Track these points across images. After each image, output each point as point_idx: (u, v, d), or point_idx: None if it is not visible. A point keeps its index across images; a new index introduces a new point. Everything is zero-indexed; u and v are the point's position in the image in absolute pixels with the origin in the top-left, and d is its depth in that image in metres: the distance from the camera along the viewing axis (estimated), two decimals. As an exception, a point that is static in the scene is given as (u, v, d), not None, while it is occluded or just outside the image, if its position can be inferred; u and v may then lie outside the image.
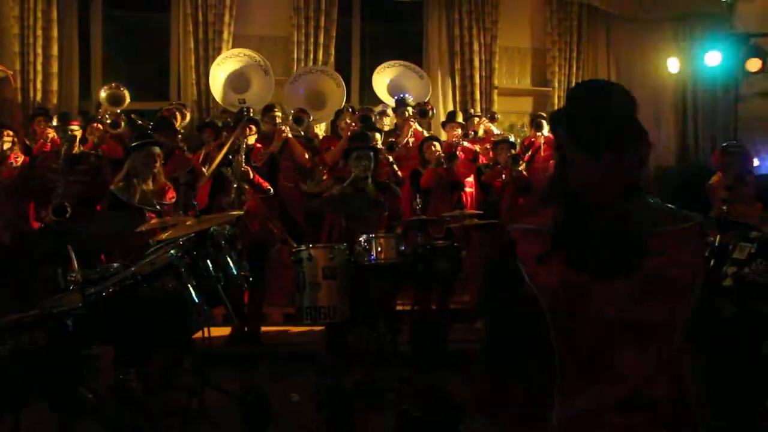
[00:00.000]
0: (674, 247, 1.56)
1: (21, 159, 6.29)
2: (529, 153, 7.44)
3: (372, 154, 5.33)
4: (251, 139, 6.09)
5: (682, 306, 1.57)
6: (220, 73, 7.93)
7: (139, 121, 6.96)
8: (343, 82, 8.14)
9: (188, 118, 7.64)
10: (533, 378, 1.68)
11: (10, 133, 6.18)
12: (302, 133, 7.08)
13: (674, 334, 1.57)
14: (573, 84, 9.34)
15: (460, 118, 7.84)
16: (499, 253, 1.74)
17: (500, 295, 1.73)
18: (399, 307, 5.64)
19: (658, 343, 1.56)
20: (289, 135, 6.56)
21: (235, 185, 5.73)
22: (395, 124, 7.40)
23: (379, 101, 8.27)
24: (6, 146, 6.08)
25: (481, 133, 7.93)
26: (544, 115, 7.88)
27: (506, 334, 1.71)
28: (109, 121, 6.69)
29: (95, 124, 6.72)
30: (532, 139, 7.61)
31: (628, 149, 1.60)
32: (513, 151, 6.84)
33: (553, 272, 1.57)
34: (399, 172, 6.49)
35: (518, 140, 8.10)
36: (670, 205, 1.66)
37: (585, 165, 1.60)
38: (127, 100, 7.17)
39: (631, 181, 1.61)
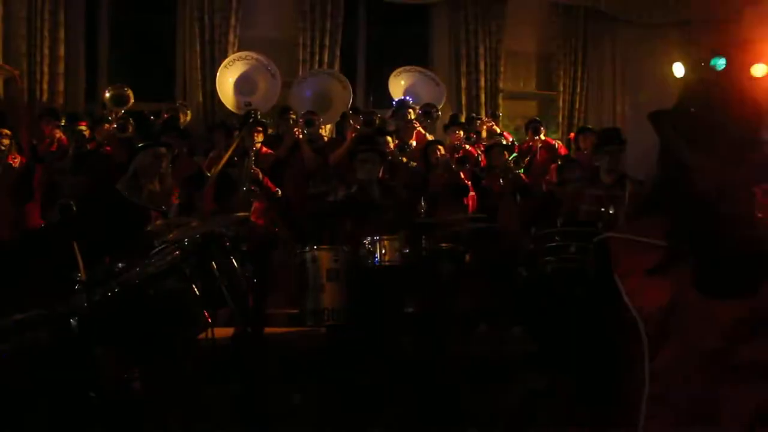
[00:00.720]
0: None
1: (18, 159, 6.31)
2: (527, 158, 7.42)
3: (378, 157, 5.33)
4: (259, 142, 6.09)
5: None
6: (227, 76, 7.95)
7: (152, 117, 6.99)
8: (349, 85, 8.16)
9: (189, 117, 7.65)
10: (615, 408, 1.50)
11: (8, 132, 6.20)
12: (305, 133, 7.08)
13: None
14: (578, 88, 9.36)
15: (462, 121, 7.87)
16: (594, 265, 1.54)
17: (598, 313, 1.53)
18: (402, 310, 5.63)
19: (764, 387, 1.33)
20: (301, 137, 6.59)
21: (244, 188, 5.75)
22: (396, 127, 7.39)
23: (386, 103, 8.27)
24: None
25: (484, 134, 7.93)
26: (539, 120, 7.88)
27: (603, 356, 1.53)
28: (116, 125, 6.71)
29: (104, 125, 6.74)
30: (530, 144, 7.60)
31: (749, 154, 1.40)
32: (507, 154, 6.78)
33: (663, 289, 1.38)
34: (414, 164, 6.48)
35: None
36: None
37: (710, 166, 1.40)
38: (132, 100, 7.19)
39: (753, 191, 1.41)
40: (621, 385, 1.46)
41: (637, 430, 1.39)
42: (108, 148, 6.52)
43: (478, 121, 8.03)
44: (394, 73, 8.47)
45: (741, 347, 1.33)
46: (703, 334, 1.35)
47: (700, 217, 1.40)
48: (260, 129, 6.13)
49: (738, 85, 1.50)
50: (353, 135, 6.49)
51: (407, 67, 8.54)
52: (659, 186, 1.53)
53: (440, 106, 8.28)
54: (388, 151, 6.26)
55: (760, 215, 1.40)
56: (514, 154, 7.19)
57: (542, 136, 7.49)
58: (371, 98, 8.98)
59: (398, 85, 8.44)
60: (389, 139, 6.54)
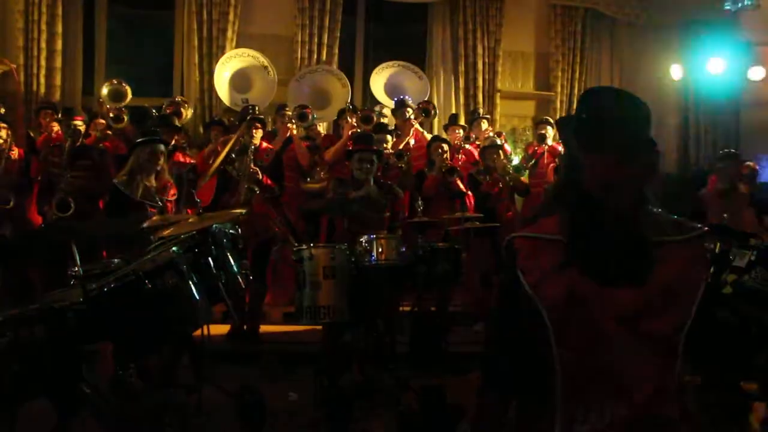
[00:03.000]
0: (680, 259, 1.55)
1: (16, 152, 6.30)
2: (533, 161, 7.40)
3: (374, 156, 5.33)
4: (257, 139, 6.08)
5: (687, 319, 1.54)
6: (224, 72, 7.95)
7: (154, 110, 6.98)
8: (348, 82, 8.16)
9: (189, 113, 7.64)
10: (531, 396, 1.62)
11: (4, 125, 6.18)
12: (304, 131, 7.08)
13: (679, 349, 1.54)
14: (576, 89, 9.37)
15: (462, 121, 7.85)
16: (500, 263, 1.71)
17: (505, 309, 1.66)
18: (399, 308, 5.64)
19: (665, 358, 1.53)
20: (294, 133, 6.59)
21: (245, 186, 5.75)
22: (395, 125, 7.39)
23: (378, 101, 8.27)
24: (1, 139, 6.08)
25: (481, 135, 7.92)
26: (551, 121, 7.84)
27: (509, 347, 1.65)
28: (111, 115, 6.70)
29: (98, 120, 6.73)
30: (536, 148, 7.60)
31: (639, 154, 1.57)
32: (505, 153, 6.77)
33: (561, 282, 1.52)
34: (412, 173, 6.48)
35: (522, 145, 8.08)
36: (674, 216, 1.64)
37: (599, 166, 1.57)
38: (129, 96, 7.18)
39: (641, 189, 1.59)
40: (532, 368, 1.58)
41: (554, 406, 1.54)
42: (107, 144, 6.50)
43: (484, 121, 7.94)
44: (375, 70, 8.45)
45: (641, 324, 1.51)
46: (604, 318, 1.50)
47: (589, 212, 1.56)
48: (259, 125, 6.11)
49: (624, 93, 1.66)
50: (349, 132, 6.48)
51: (389, 63, 8.51)
52: (560, 186, 1.69)
53: (425, 98, 8.24)
54: (384, 151, 6.26)
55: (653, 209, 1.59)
56: (514, 159, 7.17)
57: (549, 141, 7.40)
58: (369, 96, 8.97)
59: (380, 82, 8.41)
60: (389, 137, 6.54)
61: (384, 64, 8.51)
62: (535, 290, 1.54)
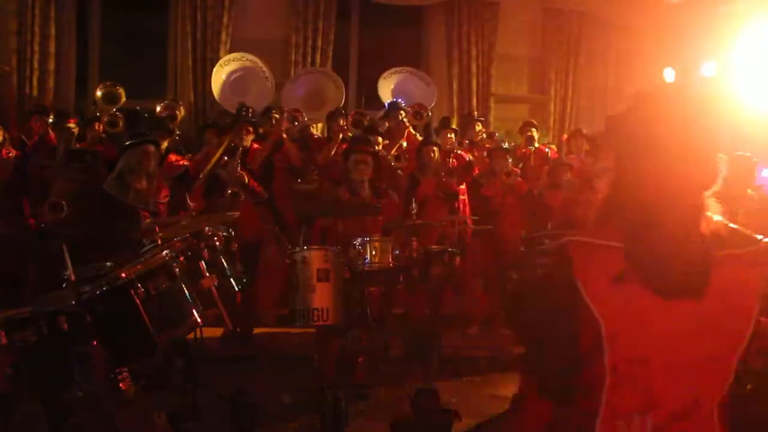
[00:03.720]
0: (739, 273, 1.47)
1: (12, 153, 6.28)
2: (521, 164, 7.44)
3: (370, 158, 5.33)
4: (248, 141, 6.07)
5: (743, 338, 1.48)
6: (221, 75, 7.94)
7: (146, 115, 6.98)
8: (342, 85, 8.16)
9: (183, 113, 7.62)
10: (574, 403, 1.57)
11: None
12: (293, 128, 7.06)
13: (732, 368, 1.49)
14: (570, 92, 9.40)
15: (453, 125, 7.87)
16: (553, 267, 1.62)
17: (558, 312, 1.57)
18: (392, 311, 5.64)
19: (716, 377, 1.49)
20: (284, 135, 6.58)
21: (230, 190, 5.73)
22: (387, 127, 7.40)
23: (378, 105, 8.28)
24: None
25: (476, 138, 7.94)
26: (534, 123, 7.90)
27: (561, 354, 1.57)
28: (107, 120, 6.69)
29: (95, 124, 6.70)
30: (523, 150, 7.62)
31: (700, 158, 1.48)
32: (508, 157, 6.80)
33: (620, 292, 1.46)
34: (401, 173, 6.48)
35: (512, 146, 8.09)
36: (734, 225, 1.54)
37: (657, 172, 1.48)
38: (123, 98, 7.18)
39: (701, 196, 1.50)
40: (580, 378, 1.54)
41: (596, 421, 1.49)
42: (99, 147, 6.49)
43: (479, 123, 7.97)
44: (384, 75, 8.47)
45: (697, 341, 1.46)
46: (657, 333, 1.46)
47: (648, 221, 1.48)
48: (250, 128, 6.10)
49: (685, 98, 1.54)
50: (341, 135, 6.48)
51: (397, 68, 8.54)
52: (614, 192, 1.60)
53: (431, 106, 8.30)
54: (379, 152, 6.26)
55: (711, 216, 1.51)
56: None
57: (536, 144, 7.50)
58: (363, 99, 8.97)
59: (388, 87, 8.44)
60: (380, 139, 6.54)
61: (392, 69, 8.52)
62: (592, 299, 1.48)
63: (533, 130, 7.57)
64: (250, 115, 6.59)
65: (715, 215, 1.52)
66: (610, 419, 1.49)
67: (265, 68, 8.02)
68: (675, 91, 1.62)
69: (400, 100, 7.77)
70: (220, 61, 7.98)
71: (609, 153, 1.66)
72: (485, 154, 7.30)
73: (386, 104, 7.86)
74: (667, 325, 1.46)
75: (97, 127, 6.68)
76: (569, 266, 1.51)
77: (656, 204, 1.48)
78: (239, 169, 5.78)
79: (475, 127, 7.82)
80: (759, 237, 1.53)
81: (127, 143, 4.92)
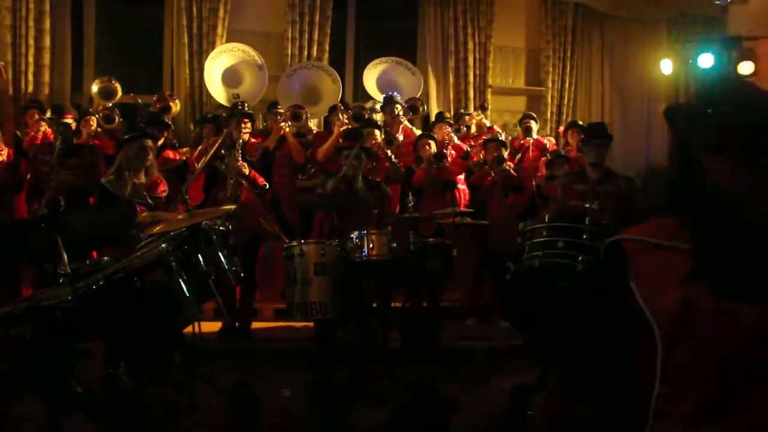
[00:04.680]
0: None
1: (5, 152, 6.26)
2: (519, 155, 7.45)
3: (363, 153, 5.33)
4: (245, 134, 6.07)
5: None
6: (214, 67, 7.92)
7: (139, 100, 6.97)
8: (338, 78, 8.15)
9: (178, 106, 7.60)
10: (618, 407, 1.50)
11: None
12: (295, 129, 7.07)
13: None
14: (567, 84, 9.39)
15: (449, 117, 7.88)
16: (604, 265, 1.51)
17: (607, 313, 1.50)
18: (390, 304, 5.65)
19: None
20: (287, 130, 6.59)
21: (231, 180, 5.74)
22: (384, 121, 7.40)
23: (370, 97, 8.27)
24: None
25: (473, 129, 7.94)
26: (534, 115, 7.91)
27: (602, 354, 1.51)
28: (102, 116, 6.68)
29: (89, 118, 6.70)
30: (521, 141, 7.63)
31: None
32: (503, 150, 6.80)
33: (677, 294, 1.37)
34: (399, 164, 6.48)
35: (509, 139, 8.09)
36: None
37: (729, 168, 1.36)
38: (119, 93, 7.17)
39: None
40: (630, 384, 1.45)
41: (645, 428, 1.40)
42: (96, 142, 6.47)
43: (467, 117, 8.06)
44: (368, 66, 8.46)
45: (756, 352, 1.33)
46: (720, 339, 1.35)
47: (720, 221, 1.37)
48: (247, 120, 6.09)
49: (750, 84, 1.50)
50: (340, 129, 6.48)
51: (382, 59, 8.52)
52: (675, 186, 1.50)
53: (418, 94, 8.29)
54: (374, 143, 6.26)
55: None
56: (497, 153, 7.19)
57: (534, 135, 7.52)
58: (360, 92, 8.97)
59: (373, 78, 8.42)
60: (377, 132, 6.53)
61: (377, 60, 8.51)
62: (647, 301, 1.40)
63: (531, 121, 7.59)
64: (245, 108, 6.60)
65: None
66: (661, 428, 1.40)
67: (257, 57, 7.99)
68: (745, 82, 1.57)
69: (395, 93, 7.76)
70: (212, 54, 7.95)
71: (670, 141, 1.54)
72: (471, 145, 7.31)
73: (383, 98, 7.85)
74: (734, 331, 1.34)
75: (91, 122, 6.66)
76: (623, 265, 1.44)
77: (729, 201, 1.36)
78: (240, 159, 5.78)
79: (473, 117, 7.87)
80: None
81: (125, 138, 4.91)
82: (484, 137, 7.41)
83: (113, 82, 7.17)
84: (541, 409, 1.67)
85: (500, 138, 7.01)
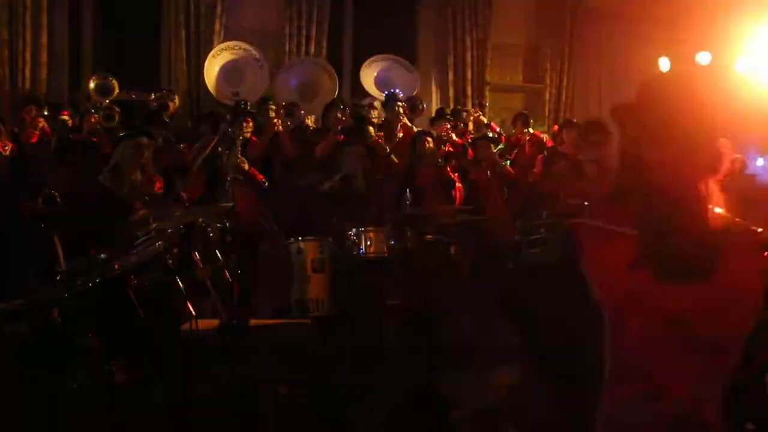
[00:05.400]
0: (742, 263, 1.49)
1: (9, 147, 6.24)
2: (515, 151, 7.45)
3: (365, 150, 5.33)
4: (247, 133, 6.06)
5: (744, 326, 1.49)
6: (214, 65, 7.90)
7: (133, 95, 6.96)
8: (335, 75, 8.13)
9: (177, 103, 7.58)
10: (576, 387, 1.60)
11: None
12: (290, 124, 7.05)
13: (730, 354, 1.50)
14: (565, 81, 9.38)
15: (448, 114, 7.87)
16: (561, 252, 1.64)
17: (559, 299, 1.61)
18: (388, 302, 5.64)
19: (719, 364, 1.50)
20: (280, 128, 6.57)
21: (229, 177, 5.73)
22: (384, 119, 7.39)
23: (367, 94, 8.26)
24: None
25: (471, 126, 7.93)
26: (526, 113, 7.92)
27: (563, 339, 1.61)
28: (102, 114, 6.66)
29: (91, 117, 6.67)
30: (518, 137, 7.63)
31: (707, 145, 1.51)
32: (493, 147, 6.79)
33: (626, 278, 1.47)
34: (395, 160, 6.46)
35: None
36: (736, 218, 1.56)
37: (669, 159, 1.49)
38: (116, 90, 7.15)
39: (707, 184, 1.52)
40: (583, 363, 1.56)
41: (597, 399, 1.51)
42: (95, 139, 6.45)
43: (465, 113, 8.05)
44: (365, 63, 8.45)
45: (701, 325, 1.46)
46: (663, 319, 1.47)
47: (658, 209, 1.49)
48: (249, 120, 6.09)
49: (692, 84, 1.58)
50: (338, 127, 6.47)
51: (379, 56, 8.51)
52: (621, 177, 1.61)
53: (414, 93, 8.29)
54: (371, 140, 6.25)
55: (713, 207, 1.52)
56: (501, 146, 7.19)
57: (531, 130, 7.52)
58: (358, 89, 8.95)
59: (370, 75, 8.41)
60: (371, 129, 6.52)
61: (374, 57, 8.50)
62: (597, 282, 1.50)
63: (528, 119, 7.60)
64: (248, 107, 6.60)
65: (717, 207, 1.53)
66: (615, 405, 1.51)
67: (258, 55, 7.98)
68: (684, 76, 1.65)
69: (397, 91, 7.75)
70: (212, 52, 7.94)
71: (615, 139, 1.67)
72: (468, 142, 7.30)
73: (384, 95, 7.84)
74: (674, 310, 1.46)
75: (92, 120, 6.65)
76: (576, 250, 1.52)
77: (667, 188, 1.49)
78: (239, 156, 5.78)
79: (471, 115, 7.86)
80: (758, 228, 1.55)
81: (122, 135, 4.90)
82: (470, 137, 7.40)
83: (111, 79, 7.15)
84: (529, 400, 1.72)
85: (489, 135, 6.99)
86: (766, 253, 1.53)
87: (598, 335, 1.49)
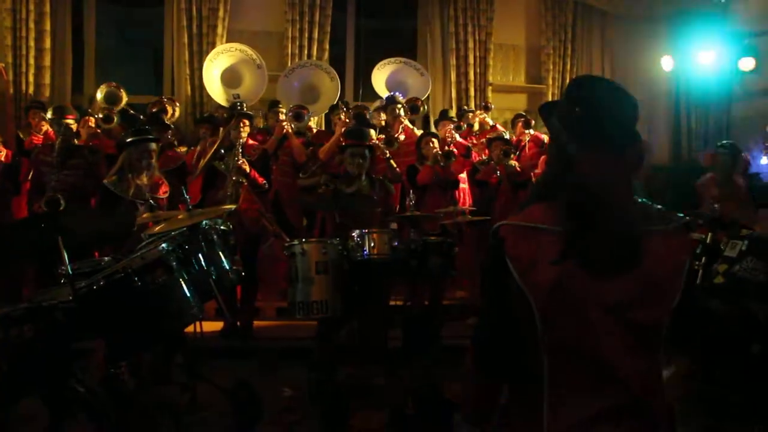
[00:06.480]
0: (665, 248, 1.57)
1: (4, 153, 6.27)
2: (517, 151, 7.44)
3: (366, 151, 5.33)
4: (244, 134, 6.07)
5: (671, 307, 1.57)
6: (213, 68, 7.91)
7: (131, 111, 6.99)
8: (337, 77, 8.14)
9: (178, 112, 7.62)
10: (520, 381, 1.64)
11: None
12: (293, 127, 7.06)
13: (663, 337, 1.57)
14: (567, 81, 9.36)
15: (452, 115, 7.87)
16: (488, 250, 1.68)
17: (495, 292, 1.65)
18: (392, 303, 5.64)
19: (652, 347, 1.56)
20: (289, 130, 6.59)
21: (232, 180, 5.74)
22: (385, 121, 7.40)
23: (375, 97, 8.27)
24: None
25: (476, 126, 7.93)
26: (523, 114, 7.91)
27: (497, 333, 1.65)
28: (101, 116, 6.69)
29: (87, 118, 6.71)
30: (519, 137, 7.63)
31: (631, 146, 1.60)
32: (506, 147, 6.82)
33: (550, 271, 1.52)
34: (396, 168, 6.48)
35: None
36: (658, 206, 1.67)
37: (594, 159, 1.57)
38: (124, 99, 7.21)
39: (630, 180, 1.60)
40: (521, 354, 1.60)
41: (542, 396, 1.55)
42: (95, 142, 6.48)
43: (470, 114, 8.05)
44: (377, 66, 8.45)
45: (630, 313, 1.52)
46: (593, 308, 1.51)
47: (586, 204, 1.55)
48: (246, 121, 6.10)
49: (615, 86, 1.67)
50: (341, 129, 6.48)
51: (391, 59, 8.53)
52: (550, 175, 1.69)
53: (425, 96, 8.30)
54: (372, 143, 6.25)
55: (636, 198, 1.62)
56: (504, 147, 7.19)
57: (532, 130, 7.54)
58: (360, 91, 8.96)
59: (381, 78, 8.43)
60: (372, 132, 6.53)
61: (386, 60, 8.50)
62: (523, 278, 1.54)
63: (529, 120, 7.60)
64: (244, 108, 6.61)
65: (639, 197, 1.64)
66: (558, 398, 1.54)
67: (256, 56, 7.99)
68: (608, 82, 1.71)
69: (398, 93, 7.76)
70: (210, 55, 7.95)
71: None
72: (483, 141, 7.33)
73: (384, 98, 7.85)
74: (603, 300, 1.51)
75: (90, 122, 6.67)
76: (501, 248, 1.58)
77: (592, 182, 1.55)
78: (240, 158, 5.79)
79: (477, 116, 7.87)
80: (680, 215, 1.64)
81: (128, 140, 4.91)
82: (487, 136, 7.42)
83: (120, 88, 7.19)
84: (468, 393, 1.80)
85: (504, 136, 7.03)
86: (686, 236, 1.64)
87: (529, 327, 1.54)
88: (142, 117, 7.04)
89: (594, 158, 1.56)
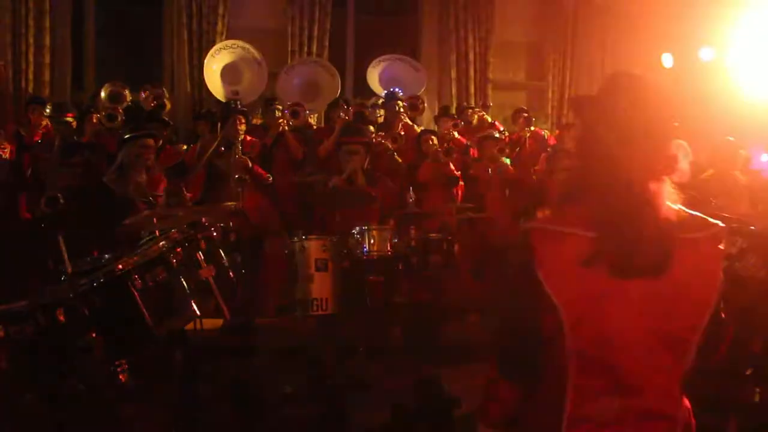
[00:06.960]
0: (698, 256, 1.52)
1: (8, 150, 6.26)
2: (517, 148, 7.44)
3: (364, 148, 5.33)
4: (242, 131, 6.06)
5: (703, 319, 1.52)
6: (213, 65, 7.90)
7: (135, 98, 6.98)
8: (337, 73, 8.14)
9: (168, 106, 7.58)
10: (541, 387, 1.61)
11: None
12: (291, 124, 7.05)
13: (692, 348, 1.53)
14: (568, 78, 9.36)
15: (452, 112, 7.87)
16: (517, 254, 1.64)
17: (522, 296, 1.62)
18: (391, 300, 5.63)
19: (676, 356, 1.53)
20: (286, 128, 6.58)
21: (234, 177, 5.74)
22: (385, 118, 7.39)
23: (373, 94, 8.26)
24: None
25: (474, 122, 7.92)
26: (525, 109, 7.90)
27: (523, 339, 1.62)
28: (105, 114, 6.67)
29: (92, 115, 6.68)
30: (519, 134, 7.62)
31: (667, 147, 1.55)
32: (499, 146, 6.80)
33: (580, 277, 1.50)
34: (399, 159, 6.46)
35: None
36: (692, 212, 1.60)
37: (632, 159, 1.51)
38: (128, 98, 7.19)
39: (664, 183, 1.55)
40: (544, 364, 1.58)
41: (564, 401, 1.53)
42: (103, 140, 6.47)
43: (470, 111, 8.04)
44: (372, 63, 8.45)
45: (659, 321, 1.49)
46: (619, 315, 1.49)
47: (613, 206, 1.50)
48: (242, 118, 6.09)
49: (656, 83, 1.60)
50: (341, 126, 6.48)
51: (386, 56, 8.51)
52: (583, 175, 1.63)
53: (421, 91, 8.29)
54: (373, 140, 6.25)
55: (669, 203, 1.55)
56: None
57: (531, 127, 7.53)
58: (360, 88, 8.95)
59: (376, 74, 8.42)
60: (371, 128, 6.53)
61: (381, 57, 8.50)
62: (551, 285, 1.51)
63: (530, 117, 7.59)
64: (238, 105, 6.60)
65: (674, 203, 1.56)
66: (579, 402, 1.52)
67: (256, 54, 7.97)
68: (647, 76, 1.65)
69: (398, 90, 7.75)
70: (211, 51, 7.94)
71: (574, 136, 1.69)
72: (471, 142, 7.31)
73: (384, 94, 7.84)
74: (629, 307, 1.49)
75: (93, 119, 6.66)
76: (531, 252, 1.54)
77: (623, 184, 1.50)
78: (241, 154, 5.79)
79: (475, 115, 7.85)
80: (715, 221, 1.58)
81: (126, 137, 4.90)
82: (479, 135, 7.39)
83: (124, 88, 7.18)
84: (490, 399, 1.72)
85: (495, 135, 7.00)
86: (720, 246, 1.57)
87: (557, 336, 1.51)
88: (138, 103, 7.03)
89: (631, 158, 1.50)
